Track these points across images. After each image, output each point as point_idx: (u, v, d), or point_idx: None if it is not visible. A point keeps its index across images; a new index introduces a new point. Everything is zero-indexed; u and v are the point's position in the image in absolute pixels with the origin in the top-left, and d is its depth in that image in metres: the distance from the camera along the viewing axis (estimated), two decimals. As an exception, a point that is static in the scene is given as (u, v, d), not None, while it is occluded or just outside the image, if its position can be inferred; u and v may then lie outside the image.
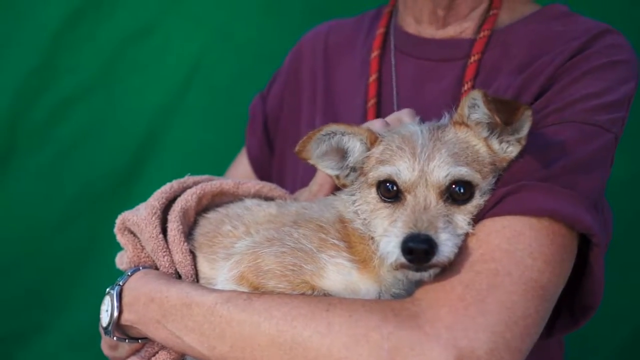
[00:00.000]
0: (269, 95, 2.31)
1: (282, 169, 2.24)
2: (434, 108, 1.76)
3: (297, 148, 1.61)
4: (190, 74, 2.97)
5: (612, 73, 1.66)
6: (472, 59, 1.86)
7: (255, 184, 1.89)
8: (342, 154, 1.63)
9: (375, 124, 1.66)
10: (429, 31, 1.97)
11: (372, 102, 1.99)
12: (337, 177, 1.66)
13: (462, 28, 1.93)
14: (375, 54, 2.05)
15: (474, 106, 1.53)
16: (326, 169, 1.66)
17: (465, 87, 1.84)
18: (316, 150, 1.61)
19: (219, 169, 2.33)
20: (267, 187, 1.89)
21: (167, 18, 2.92)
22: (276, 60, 2.57)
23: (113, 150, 2.96)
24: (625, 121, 1.67)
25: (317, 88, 2.16)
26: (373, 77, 2.02)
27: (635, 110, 1.76)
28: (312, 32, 2.29)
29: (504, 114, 1.46)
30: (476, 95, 1.50)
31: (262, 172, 2.29)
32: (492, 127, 1.55)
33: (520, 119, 1.49)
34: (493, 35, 1.87)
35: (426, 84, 1.93)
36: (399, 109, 1.93)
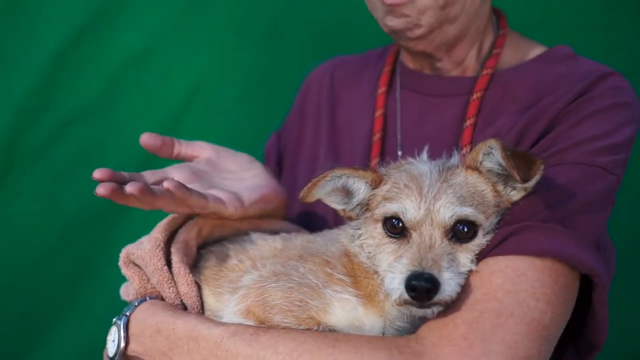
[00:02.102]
0: (282, 133, 2.34)
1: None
2: (436, 142, 1.81)
3: (301, 194, 1.62)
4: (191, 96, 2.95)
5: (614, 115, 1.69)
6: (475, 96, 1.89)
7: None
8: (347, 192, 1.65)
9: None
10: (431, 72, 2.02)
11: (377, 136, 2.03)
12: (343, 210, 1.68)
13: (464, 68, 1.97)
14: (381, 90, 2.09)
15: (489, 154, 1.55)
16: (332, 204, 1.68)
17: (467, 124, 1.87)
18: (321, 191, 1.63)
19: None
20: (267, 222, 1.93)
21: (168, 40, 2.91)
22: (277, 85, 2.57)
23: (112, 172, 2.94)
24: (627, 163, 1.70)
25: (321, 120, 2.19)
26: (379, 112, 2.05)
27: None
28: (319, 68, 2.32)
29: (523, 171, 1.48)
30: (493, 145, 1.52)
31: None
32: (501, 174, 1.57)
33: (536, 173, 1.52)
34: (496, 74, 1.91)
35: (429, 118, 1.96)
36: (402, 143, 1.99)
